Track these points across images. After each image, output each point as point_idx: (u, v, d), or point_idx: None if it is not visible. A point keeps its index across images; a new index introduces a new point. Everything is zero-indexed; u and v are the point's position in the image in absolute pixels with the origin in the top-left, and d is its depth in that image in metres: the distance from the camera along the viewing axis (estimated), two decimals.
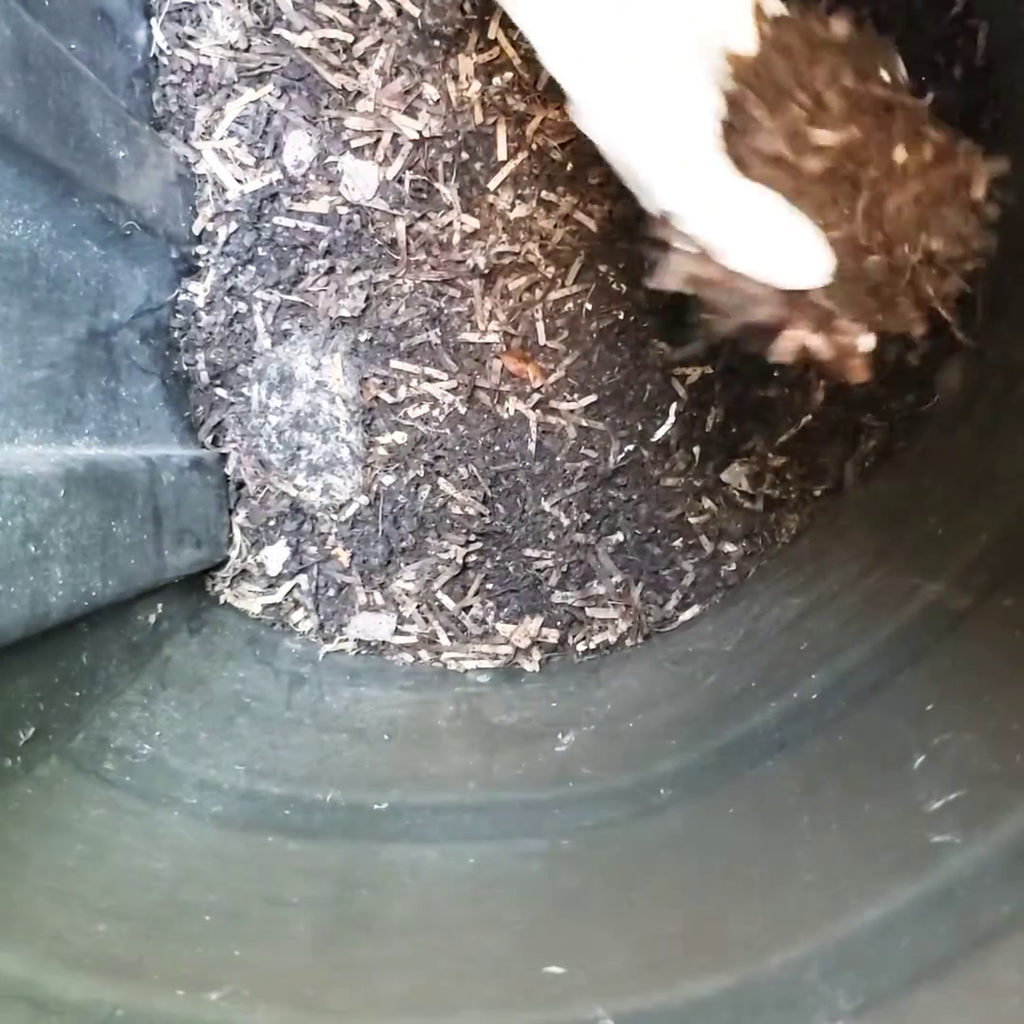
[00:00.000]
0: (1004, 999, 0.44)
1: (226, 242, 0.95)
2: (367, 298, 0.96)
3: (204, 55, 0.93)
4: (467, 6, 0.92)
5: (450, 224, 0.96)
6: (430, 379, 0.97)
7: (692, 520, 0.99)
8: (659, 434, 0.98)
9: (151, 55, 0.93)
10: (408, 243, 0.95)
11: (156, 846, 0.67)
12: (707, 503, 0.99)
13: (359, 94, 0.94)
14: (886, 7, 0.89)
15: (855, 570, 0.87)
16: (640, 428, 0.98)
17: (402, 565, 0.99)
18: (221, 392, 0.97)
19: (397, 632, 0.99)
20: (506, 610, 0.99)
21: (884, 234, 0.60)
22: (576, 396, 0.98)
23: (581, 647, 1.00)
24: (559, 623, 0.99)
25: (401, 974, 0.56)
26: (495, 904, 0.63)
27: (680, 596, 0.99)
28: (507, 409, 0.98)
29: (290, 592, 0.99)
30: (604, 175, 0.94)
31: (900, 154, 0.59)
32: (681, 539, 0.99)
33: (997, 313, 0.86)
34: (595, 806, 0.74)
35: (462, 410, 0.98)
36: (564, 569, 0.99)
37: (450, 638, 0.99)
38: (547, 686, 0.96)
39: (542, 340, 0.97)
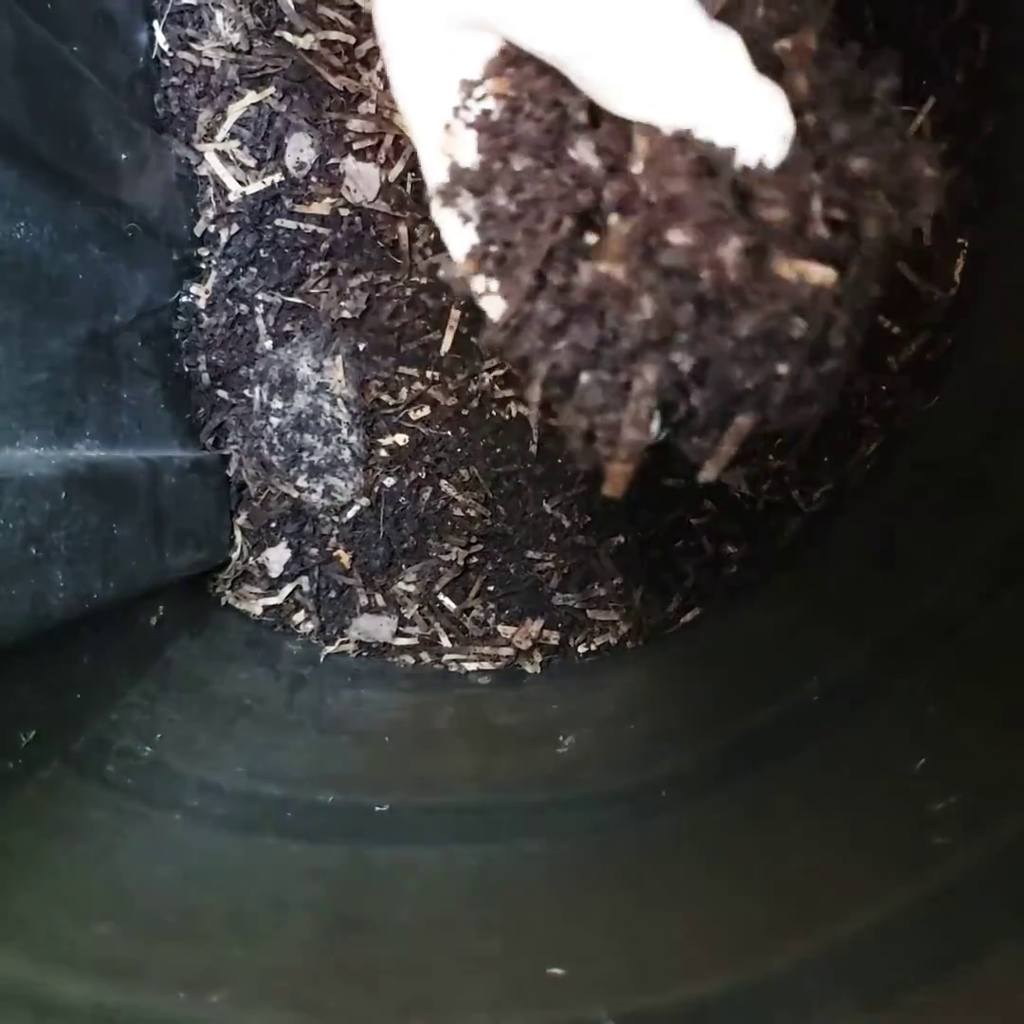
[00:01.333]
0: (1006, 1000, 0.44)
1: (228, 244, 0.95)
2: (369, 300, 0.96)
3: (206, 57, 0.93)
4: None
5: None
6: (432, 381, 0.97)
7: (693, 522, 0.99)
8: (661, 435, 0.98)
9: (153, 57, 0.93)
10: (410, 245, 0.96)
11: (157, 848, 0.67)
12: (707, 505, 0.99)
13: (361, 96, 0.94)
14: (888, 10, 0.89)
15: (856, 572, 0.87)
16: None
17: (403, 567, 0.99)
18: (222, 394, 0.97)
19: (398, 634, 0.99)
20: (507, 612, 0.99)
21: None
22: None
23: (582, 649, 1.00)
24: (560, 625, 0.99)
25: (402, 976, 0.56)
26: (496, 906, 0.63)
27: (681, 598, 0.99)
28: (509, 411, 0.98)
29: (291, 594, 0.99)
30: None
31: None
32: (682, 541, 0.99)
33: (997, 311, 0.86)
34: (596, 808, 0.74)
35: (464, 412, 0.98)
36: (565, 571, 0.99)
37: (451, 640, 0.99)
38: (548, 688, 0.96)
39: None
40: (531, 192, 0.43)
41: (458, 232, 0.46)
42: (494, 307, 0.45)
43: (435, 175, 0.48)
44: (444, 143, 0.47)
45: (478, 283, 0.46)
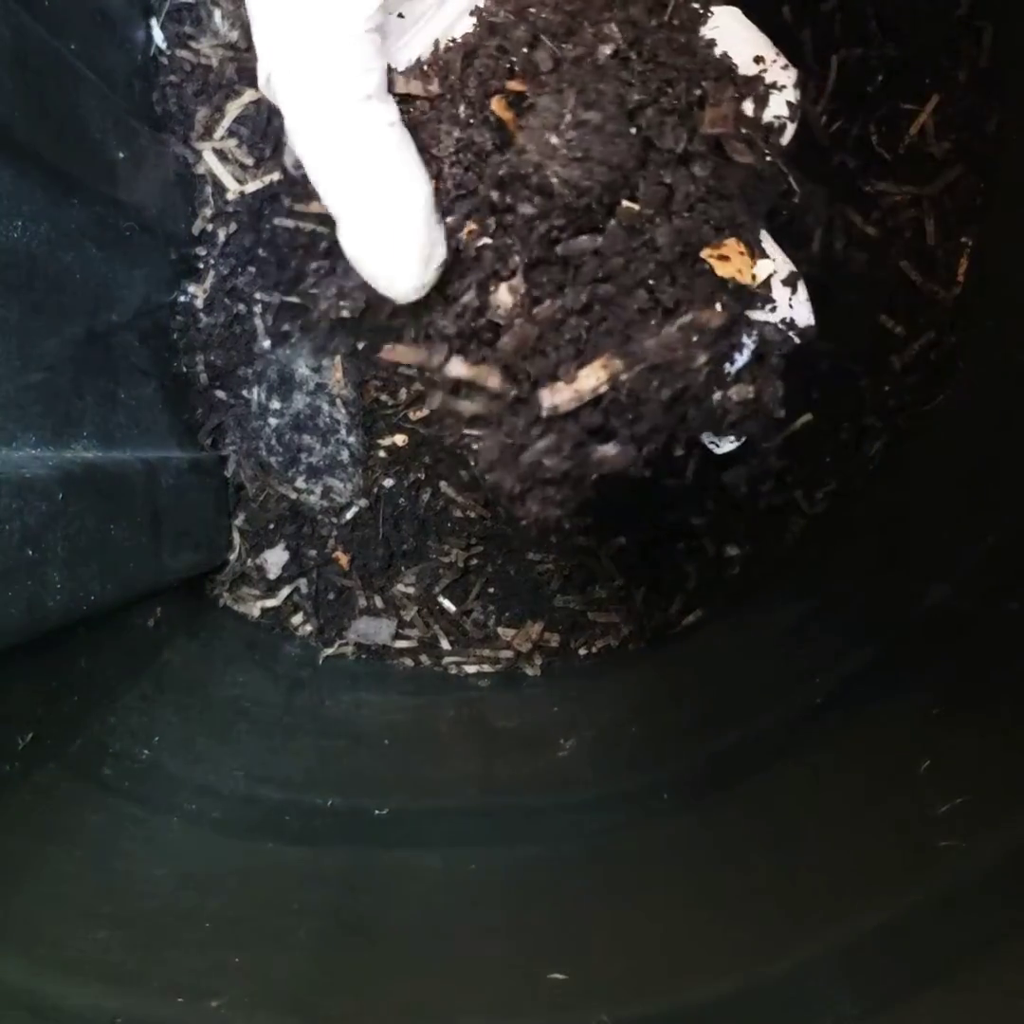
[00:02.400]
0: (1010, 1003, 0.44)
1: (226, 243, 0.95)
2: (368, 299, 0.95)
3: (204, 55, 0.93)
4: None
5: None
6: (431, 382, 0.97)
7: (694, 522, 0.98)
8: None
9: (151, 55, 0.92)
10: None
11: (155, 852, 0.67)
12: (709, 506, 0.98)
13: None
14: (890, 8, 0.88)
15: (860, 573, 0.87)
16: None
17: (403, 568, 0.98)
18: (220, 394, 0.96)
19: (397, 636, 0.98)
20: (507, 614, 0.99)
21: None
22: None
23: (583, 651, 0.99)
24: (561, 627, 0.99)
25: (402, 980, 0.55)
26: (496, 910, 0.63)
27: (683, 600, 0.98)
28: None
29: (290, 595, 0.98)
30: None
31: None
32: (683, 542, 0.99)
33: (1001, 310, 0.86)
34: (597, 811, 0.74)
35: None
36: (566, 572, 0.99)
37: (451, 642, 0.98)
38: (548, 690, 0.96)
39: None
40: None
41: None
42: None
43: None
44: None
45: None
